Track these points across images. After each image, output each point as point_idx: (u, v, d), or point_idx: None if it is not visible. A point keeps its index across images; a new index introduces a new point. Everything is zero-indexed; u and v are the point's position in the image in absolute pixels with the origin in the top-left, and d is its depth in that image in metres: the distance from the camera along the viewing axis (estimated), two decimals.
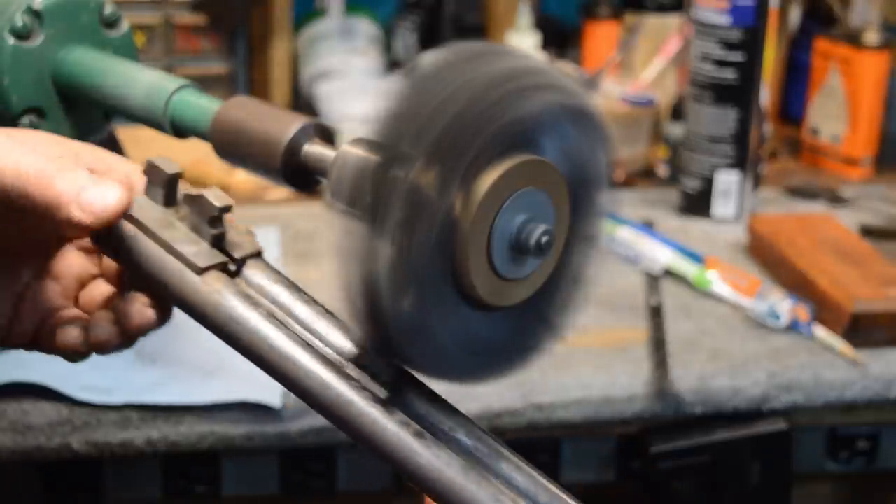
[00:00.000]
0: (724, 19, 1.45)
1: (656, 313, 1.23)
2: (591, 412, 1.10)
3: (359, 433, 0.57)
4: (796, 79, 1.84)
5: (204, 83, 0.84)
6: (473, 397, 1.04)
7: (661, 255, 1.33)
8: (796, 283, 1.27)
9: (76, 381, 1.03)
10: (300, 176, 0.66)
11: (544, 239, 0.55)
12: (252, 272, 0.61)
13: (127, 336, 0.61)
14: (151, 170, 0.62)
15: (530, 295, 0.58)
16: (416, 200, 0.52)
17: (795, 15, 1.85)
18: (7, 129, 0.61)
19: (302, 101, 1.73)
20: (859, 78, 1.65)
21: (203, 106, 0.77)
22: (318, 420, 1.04)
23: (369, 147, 0.57)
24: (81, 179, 0.58)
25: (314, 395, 0.57)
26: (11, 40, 0.85)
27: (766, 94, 1.61)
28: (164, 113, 0.80)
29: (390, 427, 0.56)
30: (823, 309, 1.21)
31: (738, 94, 1.47)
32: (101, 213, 0.57)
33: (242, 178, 1.50)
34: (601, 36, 1.79)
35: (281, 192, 1.51)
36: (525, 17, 1.74)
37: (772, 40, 1.58)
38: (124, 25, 0.91)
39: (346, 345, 0.59)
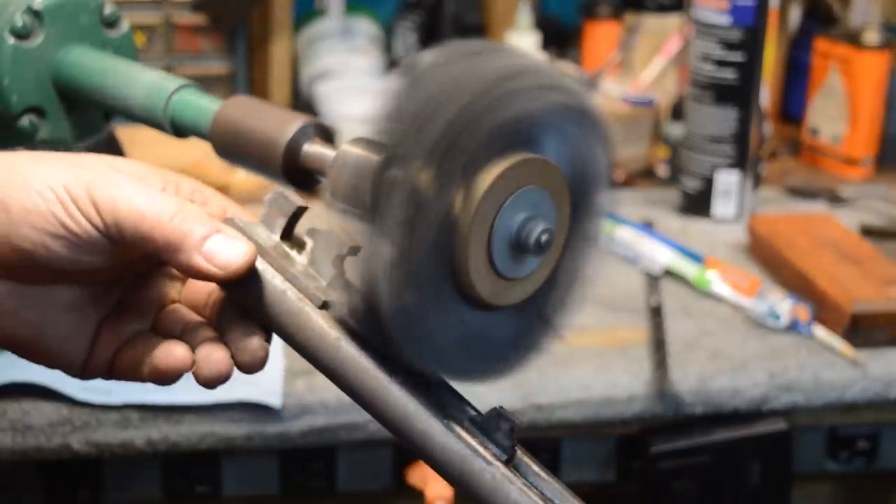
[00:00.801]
0: (724, 19, 1.45)
1: (656, 313, 1.23)
2: (592, 412, 1.10)
3: (480, 493, 0.55)
4: (796, 79, 1.84)
5: (204, 83, 0.84)
6: (473, 397, 1.04)
7: (660, 255, 1.33)
8: (796, 283, 1.27)
9: (76, 381, 1.03)
10: (300, 175, 0.66)
11: (544, 237, 0.55)
12: None
13: (241, 370, 0.60)
14: (276, 198, 0.60)
15: (530, 294, 0.58)
16: (415, 200, 0.52)
17: (795, 15, 1.85)
18: (108, 158, 0.60)
19: (302, 101, 1.73)
20: (859, 78, 1.65)
21: (203, 106, 0.77)
22: (317, 420, 1.05)
23: (369, 147, 0.57)
24: (205, 226, 0.57)
25: (430, 450, 0.56)
26: (11, 40, 0.85)
27: (766, 94, 1.61)
28: (164, 113, 0.80)
29: (514, 489, 0.54)
30: (823, 309, 1.21)
31: (738, 94, 1.47)
32: (226, 267, 0.57)
33: (242, 177, 1.50)
34: (601, 36, 1.79)
35: None
36: (525, 16, 1.74)
37: (772, 40, 1.58)
38: (124, 25, 0.91)
39: (459, 407, 0.58)
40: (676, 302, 1.27)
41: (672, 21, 1.71)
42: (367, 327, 0.56)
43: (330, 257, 0.58)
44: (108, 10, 0.89)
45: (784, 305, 1.21)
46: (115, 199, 0.56)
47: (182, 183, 0.62)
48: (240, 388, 1.04)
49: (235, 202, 0.65)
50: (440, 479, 0.58)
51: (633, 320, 1.22)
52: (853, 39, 1.66)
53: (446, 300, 0.55)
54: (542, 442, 1.12)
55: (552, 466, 1.13)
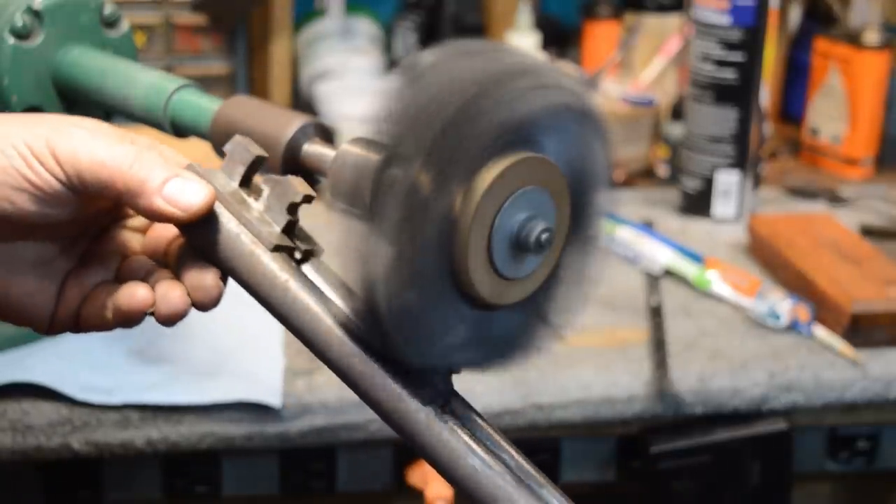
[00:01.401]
0: (724, 19, 1.45)
1: (656, 313, 1.23)
2: (591, 412, 1.10)
3: (412, 430, 0.57)
4: (796, 79, 1.84)
5: (204, 83, 0.84)
6: (473, 397, 1.04)
7: (661, 255, 1.33)
8: (796, 283, 1.27)
9: (76, 381, 1.03)
10: (300, 175, 0.66)
11: (544, 236, 0.55)
12: (311, 268, 0.62)
13: (196, 307, 0.62)
14: (236, 147, 0.62)
15: (530, 294, 0.58)
16: (415, 200, 0.52)
17: (795, 15, 1.85)
18: (76, 118, 0.61)
19: (302, 101, 1.73)
20: (859, 78, 1.65)
21: (203, 105, 0.77)
22: (317, 420, 1.05)
23: (368, 146, 0.57)
24: (163, 170, 0.59)
25: (366, 389, 0.58)
26: (11, 40, 0.85)
27: (766, 94, 1.61)
28: (164, 112, 0.80)
29: (446, 427, 0.57)
30: (823, 309, 1.21)
31: (738, 94, 1.47)
32: (187, 209, 0.59)
33: None
34: (601, 36, 1.79)
35: None
36: (525, 16, 1.74)
37: (772, 40, 1.58)
38: (124, 25, 0.91)
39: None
40: (676, 302, 1.27)
41: (672, 21, 1.71)
42: (366, 326, 0.56)
43: (284, 205, 0.60)
44: (108, 10, 0.89)
45: (784, 305, 1.21)
46: (76, 151, 0.58)
47: (139, 139, 0.63)
48: (240, 387, 1.04)
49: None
50: (440, 478, 0.58)
51: (633, 320, 1.22)
52: (853, 39, 1.66)
53: (446, 300, 0.55)
54: (542, 442, 1.12)
55: (552, 466, 1.13)
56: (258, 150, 0.62)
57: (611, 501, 1.24)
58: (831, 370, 1.15)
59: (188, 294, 0.61)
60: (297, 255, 0.61)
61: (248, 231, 0.60)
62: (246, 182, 0.62)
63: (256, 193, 0.61)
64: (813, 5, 1.87)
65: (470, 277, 0.55)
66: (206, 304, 0.61)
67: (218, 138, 0.72)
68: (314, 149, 0.65)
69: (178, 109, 0.79)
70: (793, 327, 1.20)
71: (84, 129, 0.59)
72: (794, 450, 1.16)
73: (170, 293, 0.61)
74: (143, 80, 0.82)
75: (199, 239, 0.61)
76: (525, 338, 0.61)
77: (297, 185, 0.60)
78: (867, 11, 1.71)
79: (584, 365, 1.13)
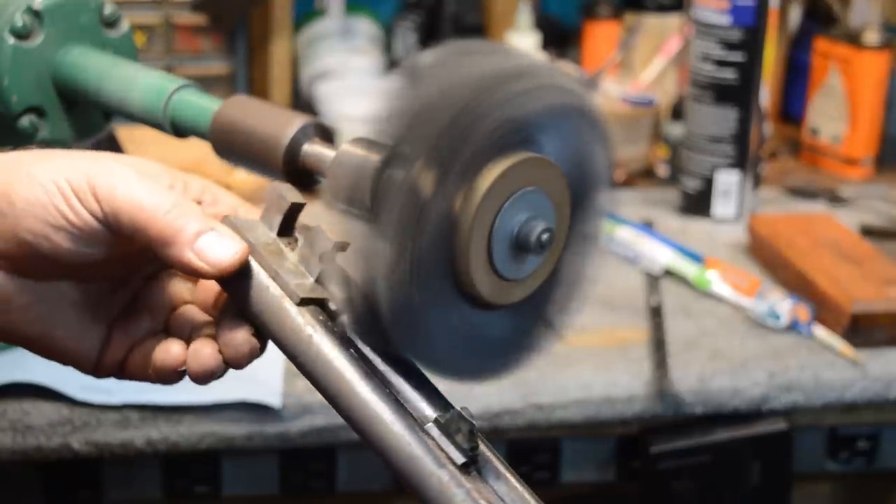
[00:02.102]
0: (724, 19, 1.45)
1: (656, 313, 1.22)
2: (591, 412, 1.10)
3: (427, 495, 0.54)
4: (796, 79, 1.84)
5: (204, 83, 0.84)
6: (473, 397, 1.04)
7: (660, 255, 1.33)
8: (796, 283, 1.27)
9: (76, 381, 1.03)
10: (300, 175, 0.66)
11: (545, 236, 0.55)
12: None
13: (228, 365, 0.60)
14: (272, 194, 0.60)
15: (530, 294, 0.58)
16: (415, 200, 0.52)
17: (795, 15, 1.85)
18: (119, 155, 0.60)
19: (302, 101, 1.73)
20: (859, 78, 1.65)
21: (203, 106, 0.77)
22: (317, 420, 1.05)
23: (369, 147, 0.57)
24: (199, 222, 0.57)
25: (390, 452, 0.55)
26: (11, 40, 0.85)
27: (766, 94, 1.61)
28: (163, 113, 0.80)
29: (459, 495, 0.54)
30: (823, 309, 1.21)
31: (738, 94, 1.47)
32: (217, 265, 0.57)
33: (242, 177, 1.50)
34: (601, 36, 1.79)
35: None
36: (525, 16, 1.73)
37: (772, 40, 1.58)
38: (124, 25, 0.91)
39: (428, 409, 0.57)
40: (676, 302, 1.27)
41: (672, 21, 1.71)
42: (366, 327, 0.56)
43: (317, 254, 0.59)
44: (108, 10, 0.89)
45: (784, 305, 1.21)
46: (115, 189, 0.57)
47: (191, 182, 0.62)
48: (240, 387, 1.04)
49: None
50: None
51: (633, 320, 1.22)
52: (853, 39, 1.66)
53: (446, 300, 0.55)
54: (542, 442, 1.12)
55: (552, 466, 1.13)
56: (294, 197, 0.60)
57: (611, 501, 1.24)
58: (831, 370, 1.15)
59: (220, 351, 0.60)
60: (332, 307, 0.59)
61: (276, 284, 0.58)
62: (285, 230, 0.60)
63: (295, 242, 0.60)
64: (813, 5, 1.87)
65: (470, 278, 0.55)
66: (237, 362, 0.60)
67: (218, 138, 0.72)
68: (314, 149, 0.65)
69: (178, 109, 0.79)
70: (793, 327, 1.20)
71: (128, 168, 0.59)
72: (794, 450, 1.16)
73: (202, 350, 0.60)
74: (142, 81, 0.82)
75: (234, 293, 0.60)
76: (525, 339, 0.61)
77: (328, 233, 0.58)
78: (867, 11, 1.71)
79: (584, 365, 1.13)
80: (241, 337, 0.59)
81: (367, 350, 0.58)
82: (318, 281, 0.59)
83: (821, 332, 1.19)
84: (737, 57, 1.46)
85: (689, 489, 1.13)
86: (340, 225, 0.55)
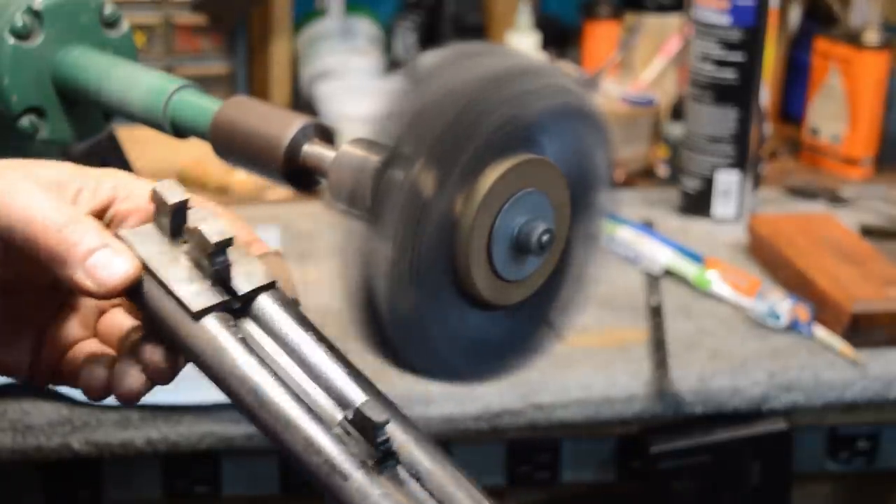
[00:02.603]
0: (724, 19, 1.45)
1: (656, 313, 1.23)
2: (591, 412, 1.10)
3: (339, 501, 0.52)
4: (796, 79, 1.84)
5: (204, 83, 0.84)
6: (473, 397, 1.04)
7: (661, 255, 1.33)
8: (796, 283, 1.27)
9: None
10: (300, 176, 0.66)
11: (545, 237, 0.55)
12: (260, 307, 0.57)
13: (153, 384, 0.59)
14: (156, 198, 0.57)
15: (530, 295, 0.58)
16: (415, 201, 0.52)
17: (795, 15, 1.85)
18: (24, 161, 0.58)
19: (302, 101, 1.73)
20: (859, 78, 1.65)
21: (203, 106, 0.77)
22: None
23: (369, 147, 0.57)
24: (92, 240, 0.55)
25: (297, 457, 0.53)
26: (11, 40, 0.85)
27: (766, 94, 1.61)
28: (163, 113, 0.80)
29: (371, 498, 0.51)
30: (823, 309, 1.21)
31: (738, 94, 1.47)
32: (105, 283, 0.55)
33: (242, 178, 1.50)
34: (601, 36, 1.79)
35: (281, 192, 1.51)
36: (525, 17, 1.74)
37: (772, 40, 1.58)
38: (124, 25, 0.91)
39: (352, 392, 0.55)
40: (676, 302, 1.27)
41: (672, 21, 1.71)
42: (365, 328, 0.56)
43: (205, 255, 0.55)
44: (108, 10, 0.89)
45: (784, 305, 1.21)
46: (11, 204, 0.55)
47: (103, 181, 0.59)
48: None
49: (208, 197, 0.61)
50: None
51: (633, 320, 1.22)
52: (853, 39, 1.66)
53: (446, 300, 0.55)
54: (542, 442, 1.12)
55: (552, 466, 1.13)
56: (175, 195, 0.56)
57: (611, 501, 1.24)
58: (831, 370, 1.15)
59: (142, 370, 0.58)
60: (236, 306, 0.56)
61: (172, 298, 0.55)
62: (177, 231, 0.57)
63: (187, 244, 0.57)
64: (813, 5, 1.87)
65: (471, 278, 0.55)
66: (161, 380, 0.58)
67: (217, 139, 0.72)
68: (314, 149, 0.65)
69: (178, 110, 0.79)
70: (793, 327, 1.20)
71: (29, 181, 0.56)
72: (794, 450, 1.16)
73: (126, 372, 0.58)
74: (142, 81, 0.82)
75: (140, 309, 0.57)
76: (526, 340, 0.61)
77: (209, 233, 0.54)
78: (867, 11, 1.71)
79: (584, 365, 1.13)
80: (158, 355, 0.57)
81: (274, 339, 0.56)
82: (214, 282, 0.56)
83: (821, 332, 1.19)
84: (737, 57, 1.46)
85: (689, 489, 1.13)
86: (341, 225, 0.55)
